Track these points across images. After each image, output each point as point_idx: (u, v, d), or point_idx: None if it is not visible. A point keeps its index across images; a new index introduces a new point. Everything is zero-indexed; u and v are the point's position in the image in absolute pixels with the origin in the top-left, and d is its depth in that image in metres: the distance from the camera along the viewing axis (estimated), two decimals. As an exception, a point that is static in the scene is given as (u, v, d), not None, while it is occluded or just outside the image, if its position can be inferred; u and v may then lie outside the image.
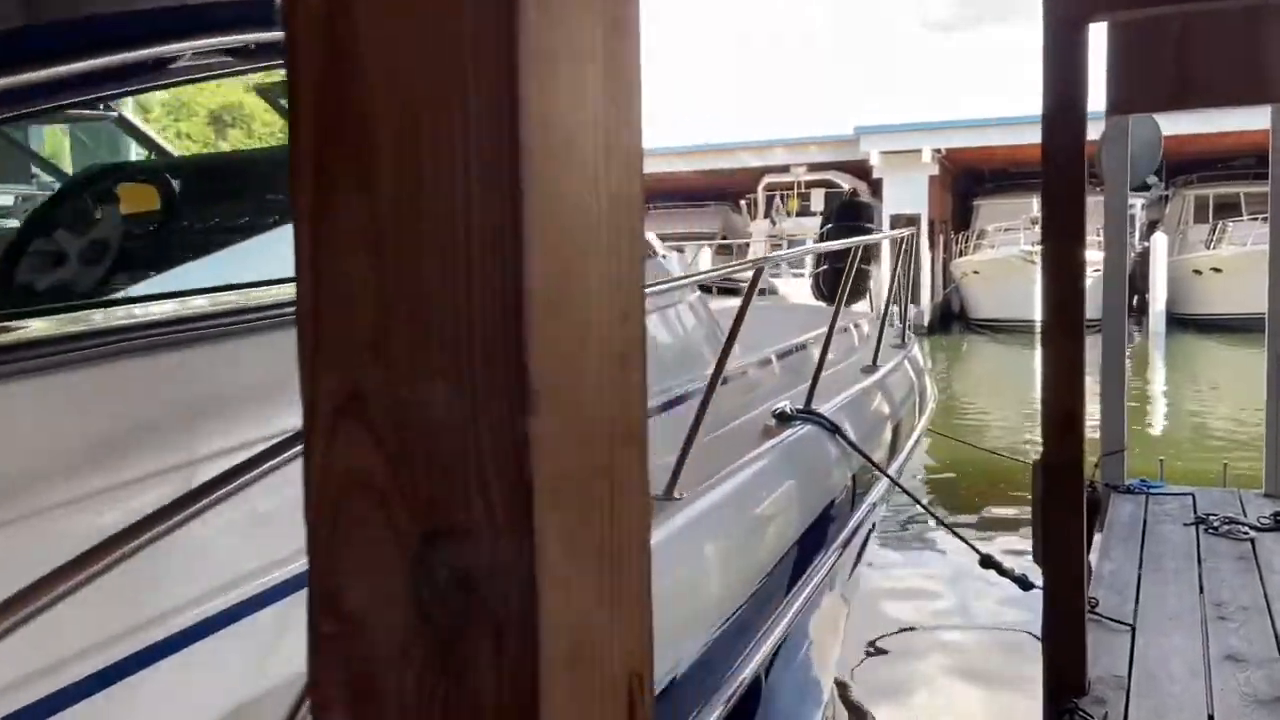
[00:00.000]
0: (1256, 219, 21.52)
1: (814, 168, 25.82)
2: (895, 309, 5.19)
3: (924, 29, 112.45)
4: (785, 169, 26.03)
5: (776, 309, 5.02)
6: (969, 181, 27.49)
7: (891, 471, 3.54)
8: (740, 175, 26.47)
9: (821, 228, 7.45)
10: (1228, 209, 23.32)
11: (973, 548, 3.05)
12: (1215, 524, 4.84)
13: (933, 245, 25.72)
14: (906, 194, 24.47)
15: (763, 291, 5.54)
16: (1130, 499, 5.46)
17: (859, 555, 3.23)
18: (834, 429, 2.69)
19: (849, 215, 6.88)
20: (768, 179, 26.13)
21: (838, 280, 5.48)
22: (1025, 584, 3.15)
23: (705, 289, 4.88)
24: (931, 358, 22.17)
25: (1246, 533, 4.70)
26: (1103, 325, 6.04)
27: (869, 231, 6.62)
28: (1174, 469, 7.20)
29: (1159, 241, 22.99)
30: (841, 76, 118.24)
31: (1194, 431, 11.27)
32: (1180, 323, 22.73)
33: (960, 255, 26.00)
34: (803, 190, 25.65)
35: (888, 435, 3.45)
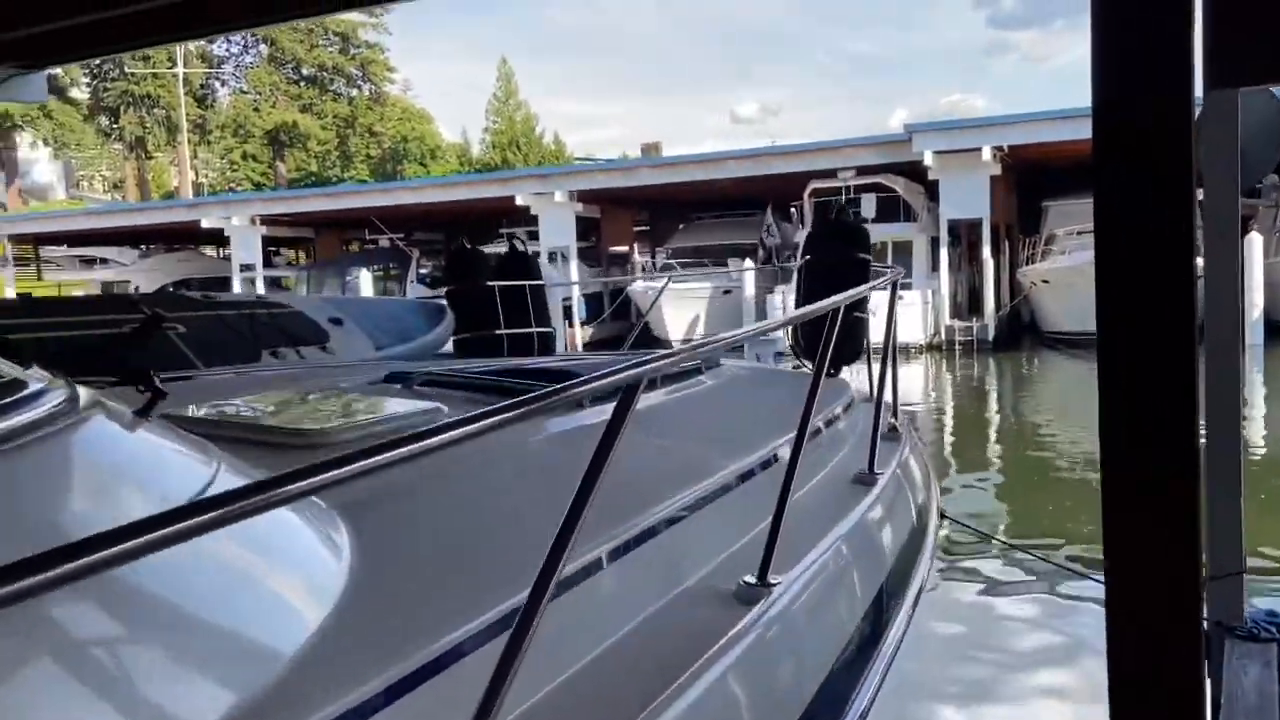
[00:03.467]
0: (1371, 214, 19.02)
1: (863, 171, 23.80)
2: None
3: (991, 27, 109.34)
4: (833, 174, 24.05)
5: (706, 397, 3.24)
6: (1036, 181, 25.18)
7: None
8: (778, 181, 24.56)
9: (802, 255, 5.59)
10: (1334, 204, 20.75)
11: None
12: None
13: (997, 252, 23.57)
14: (965, 197, 22.35)
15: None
16: (1257, 652, 3.56)
17: None
18: None
19: (835, 239, 5.05)
20: (814, 184, 24.16)
21: (819, 334, 3.59)
22: None
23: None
24: (996, 377, 20.03)
25: None
26: (1206, 368, 4.15)
27: (864, 261, 4.80)
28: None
29: (1254, 242, 20.49)
30: (902, 82, 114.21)
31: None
32: (1277, 330, 20.23)
33: (1028, 262, 23.76)
34: (851, 195, 23.61)
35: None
